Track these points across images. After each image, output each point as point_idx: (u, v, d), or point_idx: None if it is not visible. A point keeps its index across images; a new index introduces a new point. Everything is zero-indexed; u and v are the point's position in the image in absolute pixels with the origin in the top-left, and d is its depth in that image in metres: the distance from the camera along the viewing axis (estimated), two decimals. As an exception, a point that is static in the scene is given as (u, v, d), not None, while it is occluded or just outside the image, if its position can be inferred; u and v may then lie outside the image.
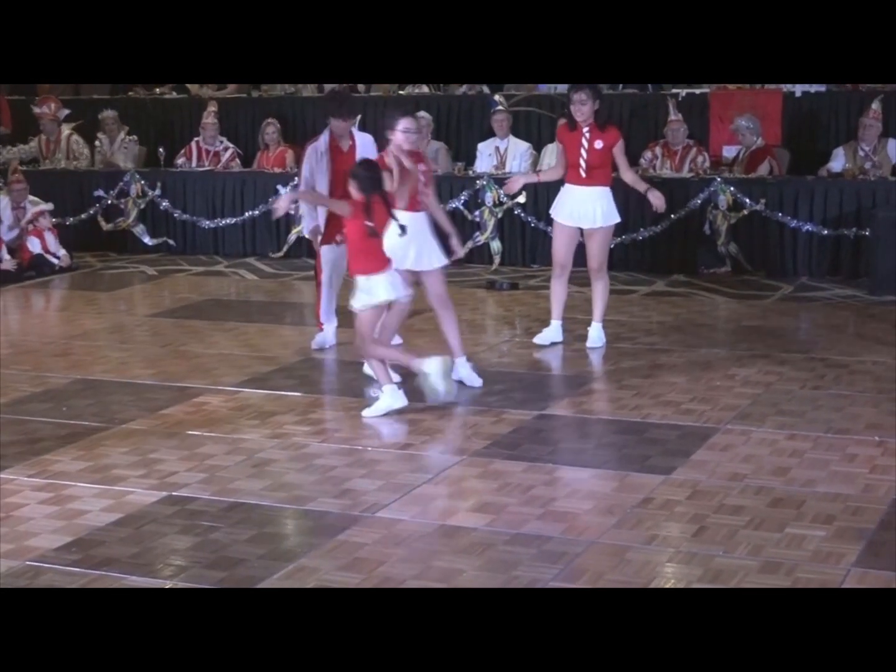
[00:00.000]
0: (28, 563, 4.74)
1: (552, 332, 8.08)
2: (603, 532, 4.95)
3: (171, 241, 12.18)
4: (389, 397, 6.54)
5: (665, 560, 4.69)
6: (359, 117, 9.98)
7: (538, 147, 11.61)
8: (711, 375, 7.26)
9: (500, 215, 10.96)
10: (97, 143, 13.07)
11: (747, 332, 8.44)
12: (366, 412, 6.54)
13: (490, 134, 11.76)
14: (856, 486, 5.39)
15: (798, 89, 11.52)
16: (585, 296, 8.26)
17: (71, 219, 12.31)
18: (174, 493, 5.48)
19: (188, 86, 13.86)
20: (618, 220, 8.01)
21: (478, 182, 10.92)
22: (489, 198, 10.93)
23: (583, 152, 7.77)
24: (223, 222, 11.95)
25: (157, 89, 14.04)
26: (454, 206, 10.79)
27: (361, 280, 6.50)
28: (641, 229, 10.58)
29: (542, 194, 10.38)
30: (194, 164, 12.47)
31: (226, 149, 12.53)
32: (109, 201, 12.26)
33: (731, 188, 10.34)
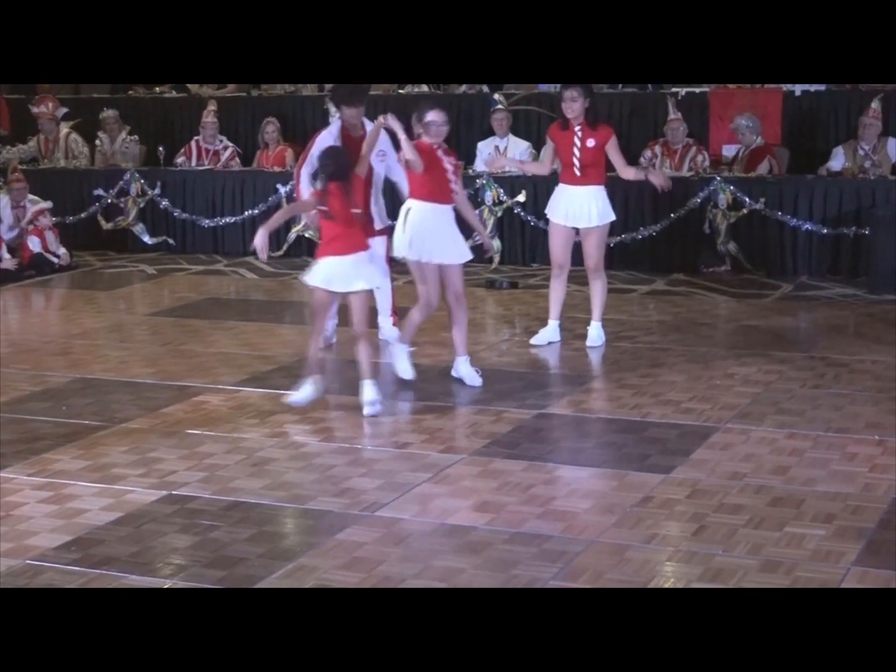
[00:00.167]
0: (28, 561, 4.75)
1: (549, 333, 8.09)
2: (602, 531, 4.95)
3: (170, 240, 12.18)
4: (310, 386, 6.63)
5: (665, 559, 4.70)
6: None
7: (538, 146, 11.59)
8: (711, 374, 7.26)
9: (499, 214, 10.96)
10: (97, 142, 13.06)
11: (747, 331, 8.44)
12: (289, 398, 6.66)
13: (490, 133, 11.76)
14: (855, 485, 5.39)
15: (798, 88, 11.52)
16: (585, 294, 8.26)
17: (71, 218, 12.31)
18: (174, 492, 5.48)
19: (188, 85, 13.85)
20: (613, 218, 8.00)
21: (477, 181, 10.91)
22: (489, 197, 10.93)
23: (575, 151, 7.78)
24: (223, 221, 11.95)
25: (157, 88, 14.04)
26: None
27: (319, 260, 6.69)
28: (641, 228, 10.59)
29: (542, 193, 10.35)
30: (194, 163, 12.47)
31: (225, 148, 12.53)
32: (109, 200, 12.26)
33: (731, 187, 10.33)
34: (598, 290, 8.02)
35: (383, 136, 7.53)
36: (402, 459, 5.89)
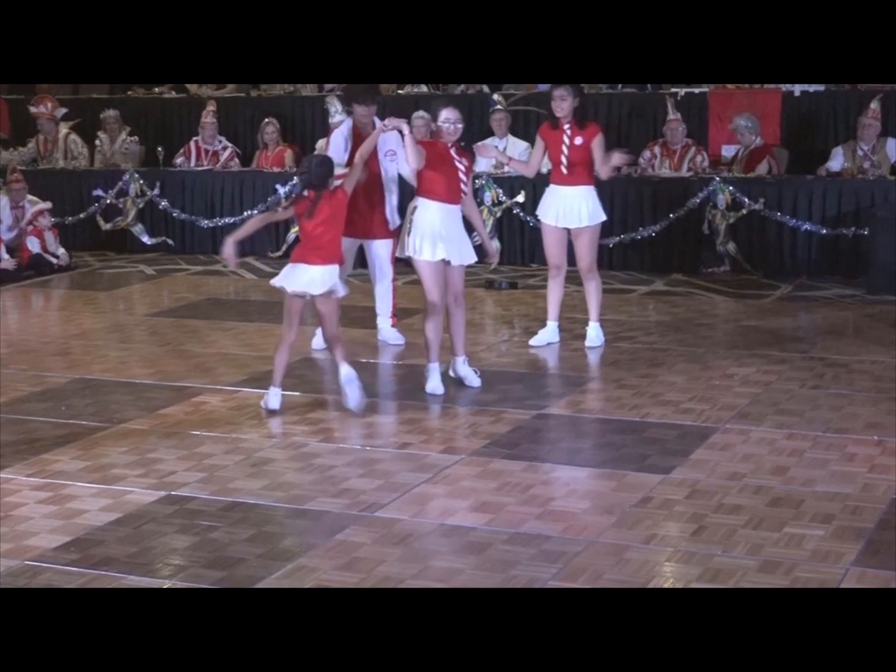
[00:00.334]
0: (27, 562, 4.74)
1: (548, 334, 8.09)
2: (602, 531, 4.95)
3: (169, 241, 12.18)
4: (271, 395, 6.67)
5: (664, 559, 4.69)
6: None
7: (537, 146, 11.61)
8: (710, 375, 7.26)
9: (498, 214, 10.97)
10: (97, 142, 13.06)
11: (746, 331, 8.45)
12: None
13: (489, 133, 11.76)
14: (855, 486, 5.39)
15: (797, 89, 11.52)
16: (583, 295, 8.24)
17: (70, 218, 12.31)
18: (173, 493, 5.48)
19: (187, 85, 13.85)
20: (603, 218, 8.00)
21: (476, 181, 10.91)
22: (488, 197, 10.94)
23: (564, 149, 7.80)
24: (222, 222, 11.94)
25: (156, 89, 14.03)
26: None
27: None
28: (640, 229, 10.59)
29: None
30: (193, 163, 12.47)
31: (224, 148, 12.53)
32: (108, 201, 12.26)
33: (730, 188, 10.34)
34: (592, 291, 8.01)
35: (393, 135, 7.48)
36: (402, 460, 5.89)
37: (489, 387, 7.06)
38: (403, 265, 7.73)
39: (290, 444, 6.16)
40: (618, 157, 7.91)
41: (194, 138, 12.60)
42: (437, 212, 6.89)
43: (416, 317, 7.94)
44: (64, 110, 13.20)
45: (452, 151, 6.92)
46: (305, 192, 6.65)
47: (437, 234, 6.85)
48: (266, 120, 12.44)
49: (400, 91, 12.92)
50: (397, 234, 7.51)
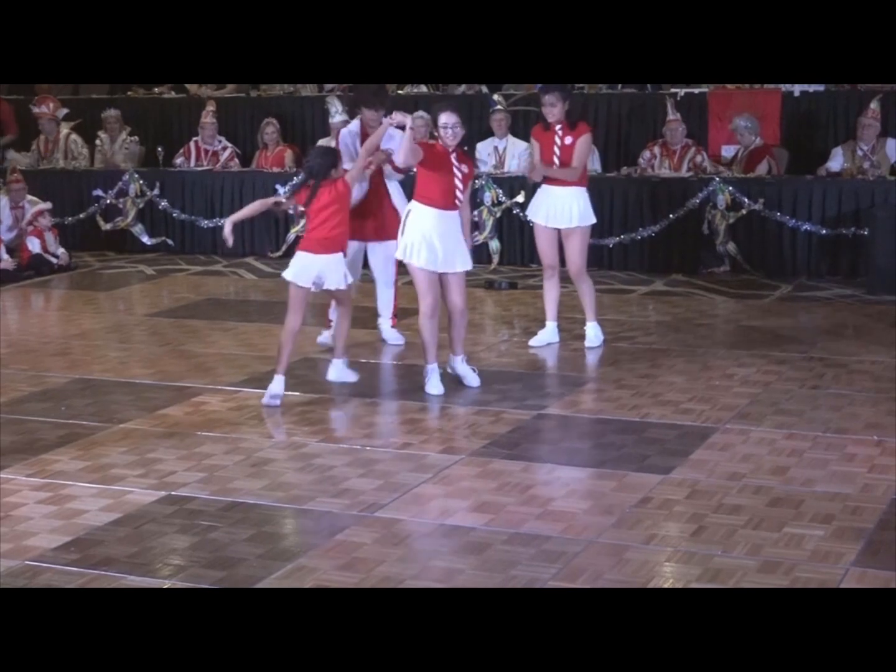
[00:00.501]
0: (27, 562, 4.74)
1: (548, 334, 8.08)
2: (601, 531, 4.95)
3: (169, 241, 12.18)
4: (274, 382, 6.79)
5: (664, 559, 4.69)
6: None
7: (537, 147, 11.61)
8: (710, 375, 7.26)
9: (498, 215, 10.97)
10: (98, 142, 13.06)
11: (746, 331, 8.45)
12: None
13: (489, 134, 11.76)
14: (854, 486, 5.39)
15: (797, 89, 11.52)
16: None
17: (69, 218, 12.30)
18: (173, 493, 5.48)
19: (187, 85, 13.85)
20: (593, 220, 8.00)
21: (476, 182, 10.90)
22: (488, 197, 10.94)
23: (556, 150, 7.82)
24: (222, 222, 11.88)
25: (156, 89, 14.02)
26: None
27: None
28: (640, 229, 10.59)
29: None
30: (193, 163, 12.47)
31: (224, 148, 12.53)
32: (108, 201, 12.25)
33: (730, 188, 10.34)
34: (586, 292, 8.01)
35: (396, 136, 7.44)
36: (402, 460, 5.89)
37: (489, 387, 7.06)
38: (404, 266, 7.73)
39: (289, 445, 6.16)
40: (538, 173, 7.90)
41: (194, 138, 12.60)
42: (431, 218, 6.84)
43: (416, 317, 7.92)
44: (65, 110, 13.21)
45: (453, 157, 6.85)
46: (309, 182, 6.77)
47: (429, 241, 6.81)
48: (266, 120, 12.44)
49: (400, 91, 12.91)
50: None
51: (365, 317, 8.46)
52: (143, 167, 12.69)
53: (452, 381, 7.10)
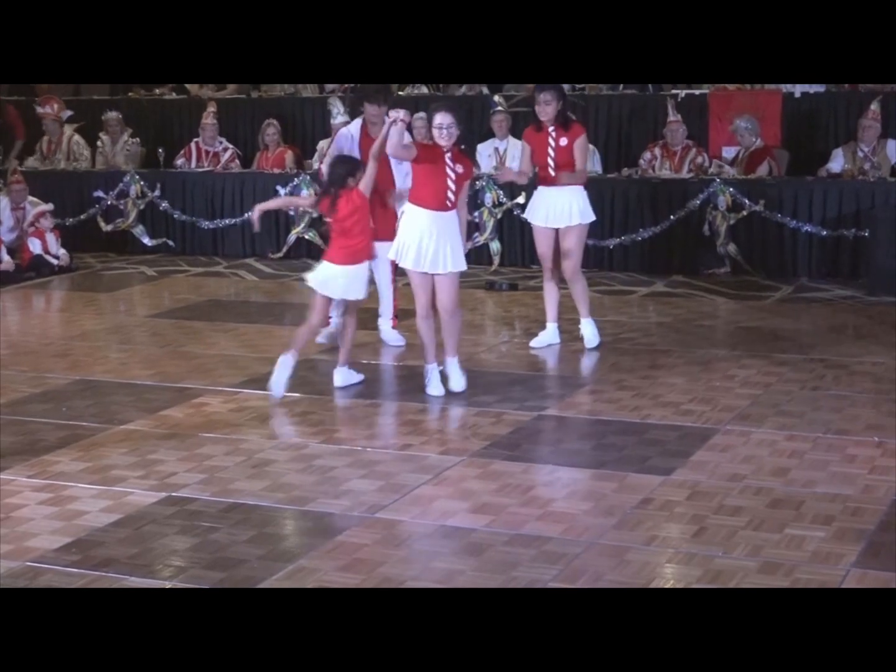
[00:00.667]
0: (27, 563, 4.74)
1: (548, 335, 8.08)
2: (602, 533, 4.95)
3: (170, 242, 12.18)
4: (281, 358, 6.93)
5: (664, 561, 4.69)
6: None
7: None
8: (711, 376, 7.26)
9: (499, 216, 10.97)
10: (99, 143, 13.06)
11: (747, 332, 8.44)
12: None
13: (490, 135, 11.76)
14: (855, 487, 5.39)
15: (797, 90, 11.52)
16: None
17: (70, 219, 12.30)
18: (174, 494, 5.48)
19: (187, 86, 13.86)
20: (593, 218, 7.99)
21: (477, 183, 10.91)
22: (489, 198, 10.94)
23: (550, 151, 7.80)
24: (223, 223, 11.95)
25: (157, 90, 14.03)
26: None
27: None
28: (641, 230, 10.59)
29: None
30: (194, 164, 12.47)
31: (225, 149, 12.53)
32: (109, 202, 12.26)
33: (731, 189, 10.34)
34: (579, 292, 8.00)
35: (405, 165, 7.42)
36: (402, 461, 5.89)
37: (489, 388, 7.06)
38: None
39: (290, 446, 6.16)
40: (509, 174, 8.06)
41: (195, 140, 12.60)
42: (423, 219, 6.82)
43: (411, 319, 7.93)
44: (70, 113, 13.23)
45: (447, 157, 6.80)
46: (330, 191, 6.88)
47: (419, 242, 6.79)
48: (267, 121, 12.44)
49: (401, 93, 12.91)
50: None
51: (365, 318, 8.44)
52: (143, 168, 12.69)
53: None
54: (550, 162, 7.81)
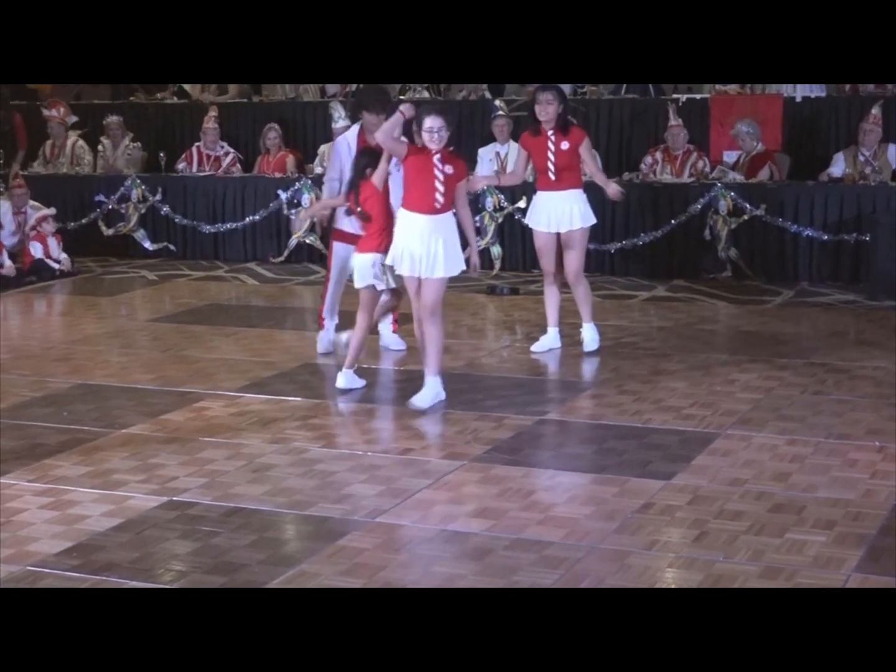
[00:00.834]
0: (28, 568, 4.74)
1: (549, 340, 8.07)
2: (603, 537, 4.95)
3: (171, 246, 12.18)
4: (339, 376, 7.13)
5: (665, 565, 4.69)
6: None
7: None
8: (712, 380, 7.26)
9: (500, 220, 10.98)
10: (100, 148, 13.07)
11: (748, 337, 8.44)
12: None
13: (491, 139, 11.76)
14: (856, 492, 5.39)
15: (798, 94, 11.52)
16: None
17: (72, 223, 12.30)
18: (175, 498, 5.48)
19: (189, 91, 13.87)
20: (594, 221, 7.98)
21: (478, 187, 10.90)
22: (490, 203, 10.95)
23: (550, 155, 7.76)
24: (224, 227, 11.95)
25: (158, 94, 14.04)
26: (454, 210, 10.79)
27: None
28: (642, 234, 10.59)
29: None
30: (195, 168, 12.48)
31: (226, 154, 12.53)
32: (110, 206, 12.27)
33: (732, 193, 10.34)
34: (582, 295, 8.00)
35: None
36: (403, 465, 5.89)
37: (490, 392, 7.06)
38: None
39: (291, 450, 6.16)
40: (613, 192, 8.00)
41: (196, 144, 12.61)
42: (412, 223, 6.72)
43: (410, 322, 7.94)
44: (75, 118, 13.24)
45: (436, 159, 6.68)
46: (355, 183, 7.05)
47: (410, 248, 6.72)
48: (268, 125, 12.44)
49: (402, 97, 12.91)
50: None
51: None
52: (145, 172, 12.70)
53: (455, 387, 7.07)
54: (550, 166, 7.78)
